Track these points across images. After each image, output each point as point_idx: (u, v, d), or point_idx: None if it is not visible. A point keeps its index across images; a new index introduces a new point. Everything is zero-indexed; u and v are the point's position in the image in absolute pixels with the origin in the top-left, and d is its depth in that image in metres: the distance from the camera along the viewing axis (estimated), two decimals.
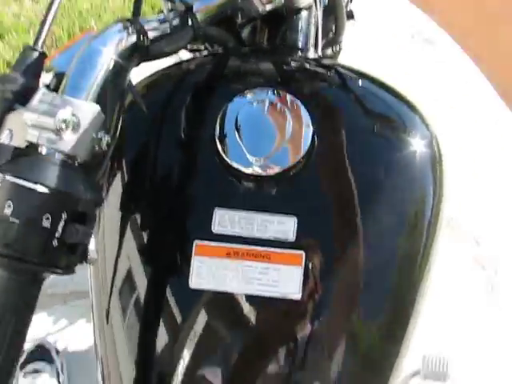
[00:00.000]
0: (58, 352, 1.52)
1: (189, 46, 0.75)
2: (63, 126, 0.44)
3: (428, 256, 0.62)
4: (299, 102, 0.60)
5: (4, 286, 0.43)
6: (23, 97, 0.52)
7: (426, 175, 0.63)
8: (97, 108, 0.47)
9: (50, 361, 1.48)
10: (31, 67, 0.54)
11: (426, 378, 1.25)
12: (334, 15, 0.94)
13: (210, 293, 0.57)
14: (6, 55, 2.31)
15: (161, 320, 0.58)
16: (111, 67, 0.49)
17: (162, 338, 0.58)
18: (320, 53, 0.81)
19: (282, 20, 0.77)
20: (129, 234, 0.61)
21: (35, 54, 0.55)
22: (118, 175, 0.63)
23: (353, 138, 0.61)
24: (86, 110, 0.46)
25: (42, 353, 1.49)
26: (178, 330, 0.57)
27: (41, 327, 1.64)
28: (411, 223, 0.62)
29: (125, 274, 0.61)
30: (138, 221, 0.61)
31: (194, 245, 0.57)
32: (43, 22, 0.56)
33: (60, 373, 1.47)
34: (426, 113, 0.68)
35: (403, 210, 0.62)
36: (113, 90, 0.49)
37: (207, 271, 0.57)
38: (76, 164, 0.46)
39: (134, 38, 0.52)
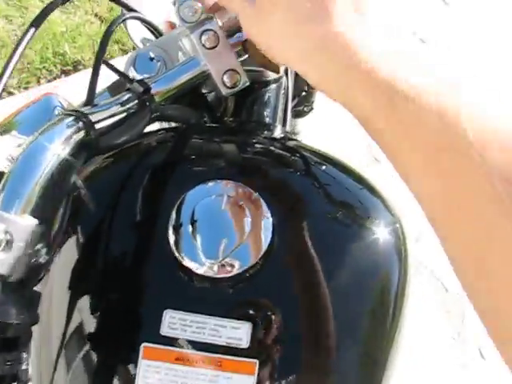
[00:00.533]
0: None
1: None
2: None
3: (396, 329, 0.60)
4: (259, 197, 0.57)
5: None
6: None
7: (390, 259, 0.61)
8: (34, 222, 0.43)
9: None
10: None
11: None
12: None
13: None
14: None
15: None
16: (55, 167, 0.46)
17: None
18: (288, 127, 0.79)
19: (250, 93, 0.74)
20: (73, 327, 0.57)
21: None
22: (68, 261, 0.59)
23: (314, 230, 0.59)
24: (22, 225, 0.42)
25: None
26: None
27: None
28: (376, 313, 0.60)
29: (66, 369, 0.57)
30: (84, 315, 0.57)
31: (141, 347, 0.53)
32: None
33: None
34: (388, 196, 0.66)
35: (367, 299, 0.59)
36: (55, 195, 0.46)
37: (154, 376, 0.53)
38: (6, 283, 0.42)
39: (81, 133, 0.48)
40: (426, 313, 1.95)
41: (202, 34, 0.57)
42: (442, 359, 1.85)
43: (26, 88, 2.28)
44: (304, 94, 1.01)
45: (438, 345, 1.88)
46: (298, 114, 1.19)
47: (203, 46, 0.58)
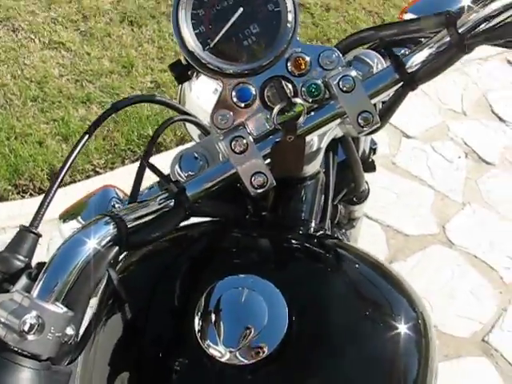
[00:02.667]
0: None
1: None
2: (26, 328, 0.47)
3: None
4: (279, 292, 0.61)
5: None
6: (12, 277, 0.56)
7: (410, 354, 0.64)
8: (63, 310, 0.49)
9: None
10: (24, 249, 0.58)
11: None
12: (351, 173, 0.97)
13: None
14: None
15: None
16: (87, 260, 0.52)
17: None
18: (328, 220, 0.83)
19: (288, 187, 0.79)
20: None
21: (29, 236, 0.60)
22: (105, 343, 0.65)
23: (333, 326, 0.62)
24: (53, 312, 0.49)
25: None
26: None
27: None
28: None
29: None
30: None
31: None
32: (41, 205, 0.61)
33: None
34: (415, 293, 0.68)
35: None
36: (85, 285, 0.52)
37: None
38: (40, 361, 0.48)
39: (114, 231, 0.55)
40: None
41: (232, 140, 0.64)
42: None
43: (111, 168, 2.46)
44: (352, 185, 1.05)
45: None
46: (352, 203, 1.23)
47: (233, 150, 0.64)
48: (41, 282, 0.50)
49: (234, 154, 0.64)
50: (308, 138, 0.67)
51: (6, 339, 0.47)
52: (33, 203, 2.31)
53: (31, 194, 2.37)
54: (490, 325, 2.09)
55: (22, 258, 0.58)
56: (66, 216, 0.87)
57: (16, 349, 0.47)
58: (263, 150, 0.65)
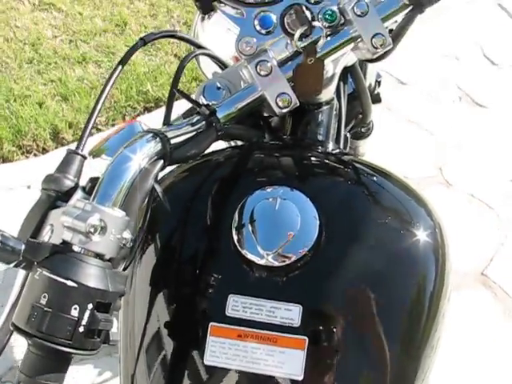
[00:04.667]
0: None
1: None
2: (92, 229, 0.52)
3: (431, 327, 0.67)
4: (308, 199, 0.66)
5: (37, 364, 0.51)
6: (64, 195, 0.61)
7: (428, 260, 0.69)
8: (122, 214, 0.55)
9: None
10: (72, 169, 0.63)
11: None
12: (360, 101, 1.01)
13: (221, 370, 0.63)
14: (68, 117, 2.48)
15: None
16: (138, 173, 0.57)
17: None
18: (342, 145, 0.88)
19: (305, 113, 0.84)
20: (154, 310, 0.68)
21: (76, 158, 0.64)
22: (148, 258, 0.71)
23: (359, 230, 0.68)
24: (113, 215, 0.54)
25: None
26: None
27: (86, 379, 1.73)
28: (414, 304, 0.68)
29: (149, 344, 0.68)
30: (163, 300, 0.68)
31: (209, 326, 0.64)
32: (85, 128, 0.66)
33: None
34: (431, 204, 0.74)
35: (406, 295, 0.67)
36: (138, 194, 0.57)
37: (220, 350, 0.63)
38: (103, 260, 0.54)
39: (159, 147, 0.60)
40: None
41: (257, 64, 0.69)
42: None
43: (113, 125, 2.49)
44: (360, 116, 1.10)
45: None
46: (357, 137, 1.28)
47: (258, 74, 0.69)
48: (100, 190, 0.55)
49: (260, 77, 0.69)
50: (326, 62, 0.71)
51: (74, 241, 0.52)
52: (38, 163, 2.35)
53: (35, 154, 2.41)
54: (488, 259, 2.17)
55: (71, 177, 0.63)
56: (96, 152, 0.91)
57: (83, 249, 0.52)
58: (286, 73, 0.70)
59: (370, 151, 1.43)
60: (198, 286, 0.67)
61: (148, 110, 2.59)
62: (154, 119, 2.47)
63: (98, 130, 2.45)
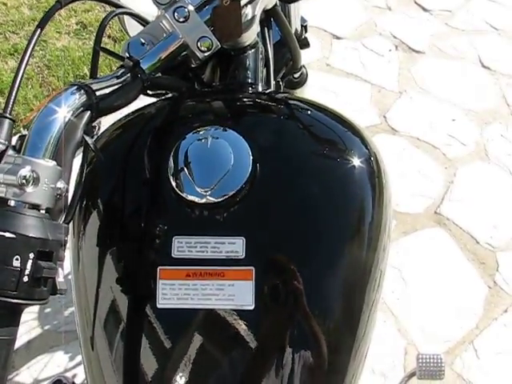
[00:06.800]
0: None
1: (150, 93, 0.84)
2: (24, 181, 0.52)
3: (373, 258, 0.69)
4: (240, 136, 0.68)
5: None
6: None
7: (364, 187, 0.71)
8: (53, 163, 0.55)
9: None
10: (2, 133, 0.63)
11: (421, 377, 1.28)
12: (287, 46, 1.03)
13: (175, 311, 0.64)
14: None
15: (136, 339, 0.66)
16: (64, 124, 0.58)
17: (137, 353, 0.66)
18: (272, 86, 0.89)
19: (232, 59, 0.85)
20: (103, 265, 0.69)
21: (5, 121, 0.64)
22: (91, 215, 0.71)
23: (293, 161, 0.69)
24: (44, 165, 0.54)
25: None
26: (149, 345, 0.65)
27: (58, 364, 1.73)
28: (354, 230, 0.69)
29: (103, 301, 0.69)
30: (110, 254, 0.69)
31: (158, 270, 0.65)
32: (10, 91, 0.65)
33: None
34: (367, 135, 0.76)
35: (345, 220, 0.69)
36: (67, 145, 0.58)
37: (171, 292, 0.64)
38: (40, 211, 0.54)
39: (84, 98, 0.60)
40: None
41: (174, 11, 0.69)
42: None
43: None
44: (290, 64, 1.11)
45: None
46: (292, 86, 1.29)
47: (177, 21, 0.69)
48: (28, 143, 0.56)
49: (179, 24, 0.69)
50: (242, 3, 0.72)
51: (8, 195, 0.53)
52: None
53: None
54: (440, 198, 2.24)
55: (2, 141, 0.63)
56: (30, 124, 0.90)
57: (19, 202, 0.53)
58: (204, 17, 0.71)
59: None
60: (144, 236, 0.68)
61: None
62: None
63: None
